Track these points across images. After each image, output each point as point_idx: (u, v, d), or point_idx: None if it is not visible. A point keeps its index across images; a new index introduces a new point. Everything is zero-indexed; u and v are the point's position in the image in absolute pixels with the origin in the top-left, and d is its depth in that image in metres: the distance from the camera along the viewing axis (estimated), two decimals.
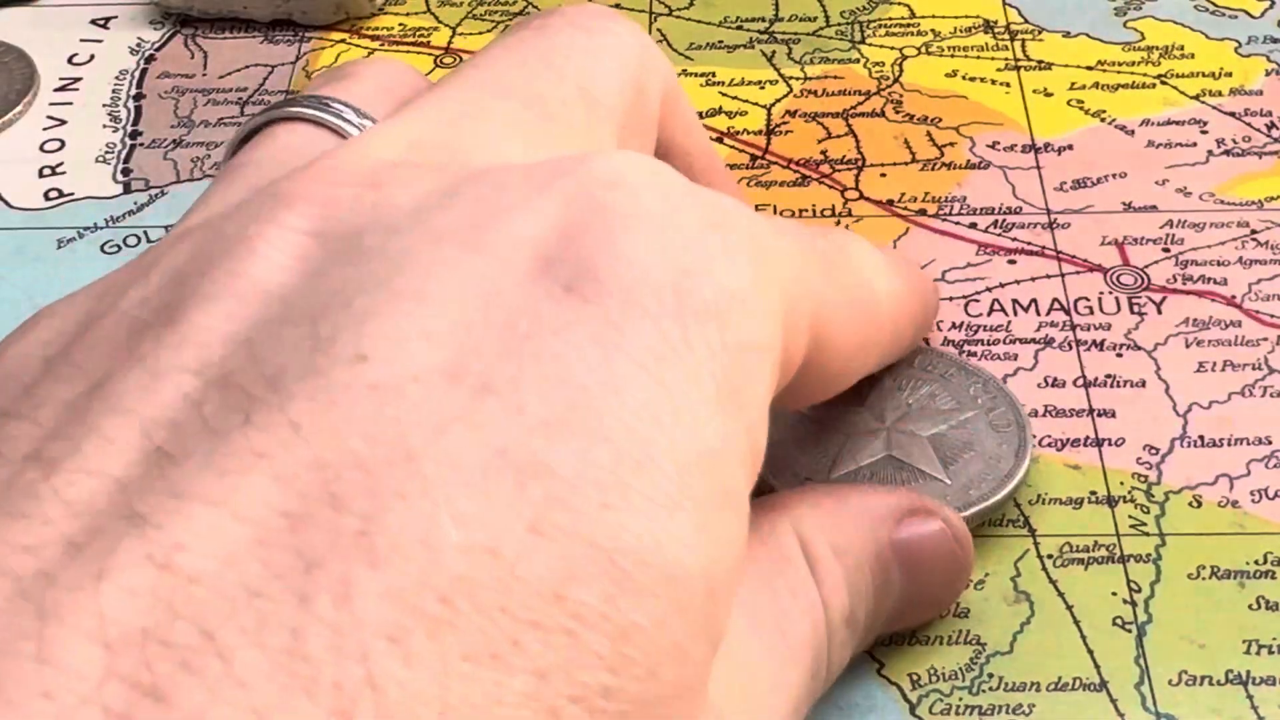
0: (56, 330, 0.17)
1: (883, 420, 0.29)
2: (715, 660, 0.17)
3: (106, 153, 0.38)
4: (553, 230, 0.17)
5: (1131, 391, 0.31)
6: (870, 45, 0.41)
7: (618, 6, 0.42)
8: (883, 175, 0.37)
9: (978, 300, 0.33)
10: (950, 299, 0.33)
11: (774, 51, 0.41)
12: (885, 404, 0.30)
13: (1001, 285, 0.34)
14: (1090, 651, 0.27)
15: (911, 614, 0.24)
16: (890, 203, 0.36)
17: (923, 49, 0.40)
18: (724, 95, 0.39)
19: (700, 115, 0.39)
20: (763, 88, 0.39)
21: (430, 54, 0.41)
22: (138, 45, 0.42)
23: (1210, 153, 0.37)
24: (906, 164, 0.37)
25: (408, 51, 0.41)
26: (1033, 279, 0.34)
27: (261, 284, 0.16)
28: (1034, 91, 0.39)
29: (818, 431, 0.29)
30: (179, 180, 0.38)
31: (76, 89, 0.41)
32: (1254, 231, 0.35)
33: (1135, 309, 0.33)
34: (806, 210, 0.36)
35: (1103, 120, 0.38)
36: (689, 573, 0.15)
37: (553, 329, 0.16)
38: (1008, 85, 0.39)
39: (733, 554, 0.17)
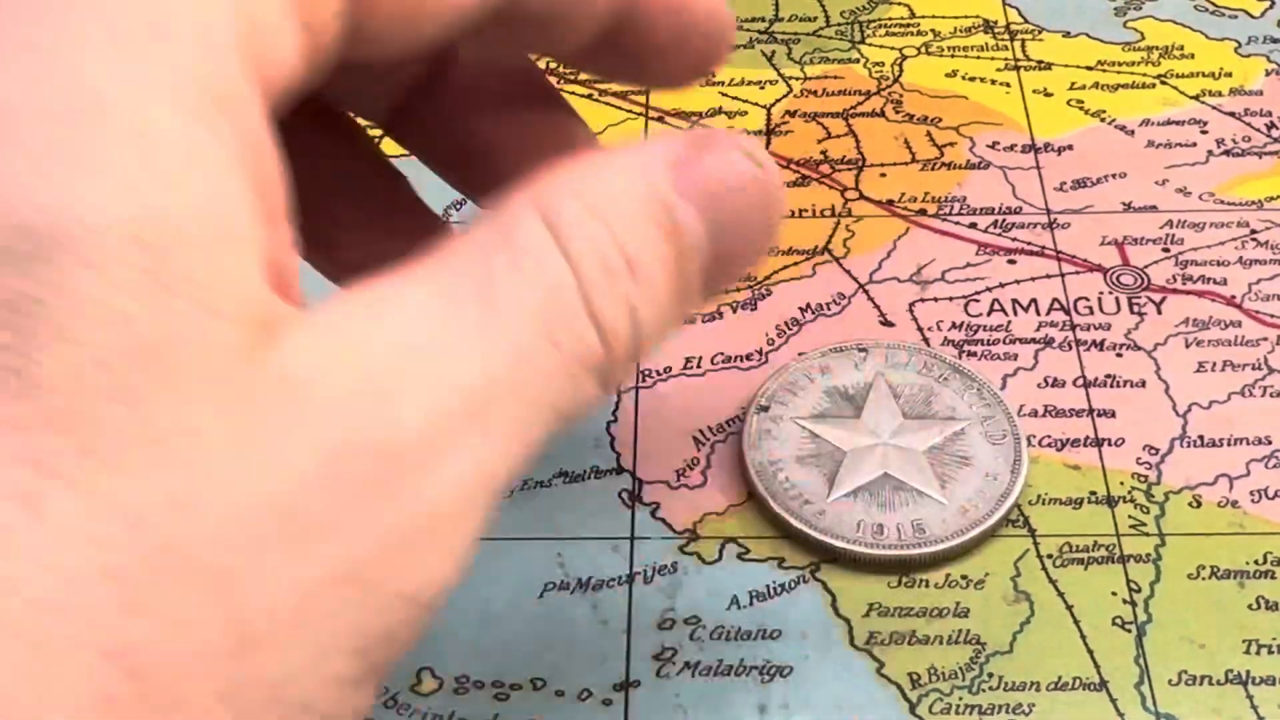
0: None
1: (879, 435, 0.29)
2: (360, 335, 0.15)
3: None
4: None
5: (1131, 391, 0.31)
6: (870, 45, 0.41)
7: None
8: (883, 175, 0.37)
9: (978, 300, 0.33)
10: (950, 299, 0.33)
11: (774, 51, 0.41)
12: (881, 415, 0.30)
13: (1001, 285, 0.34)
14: (1090, 651, 0.27)
15: (732, 264, 0.19)
16: (890, 202, 0.36)
17: (923, 49, 0.40)
18: (724, 95, 0.39)
19: (700, 115, 0.39)
20: (763, 88, 0.39)
21: None
22: None
23: (1210, 153, 0.37)
24: (906, 164, 0.37)
25: None
26: (1033, 279, 0.34)
27: None
28: (1034, 91, 0.39)
29: (816, 450, 0.29)
30: None
31: None
32: (1254, 231, 0.35)
33: (1135, 309, 0.33)
34: (806, 210, 0.36)
35: (1103, 120, 0.38)
36: (90, 227, 0.14)
37: None
38: (1008, 85, 0.39)
39: (187, 199, 0.14)
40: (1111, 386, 0.31)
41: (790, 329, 0.33)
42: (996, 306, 0.33)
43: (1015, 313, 0.33)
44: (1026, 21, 0.41)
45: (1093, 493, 0.29)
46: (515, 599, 0.28)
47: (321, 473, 0.14)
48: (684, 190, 0.17)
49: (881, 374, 0.31)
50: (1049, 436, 0.30)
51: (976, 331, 0.32)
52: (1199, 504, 0.29)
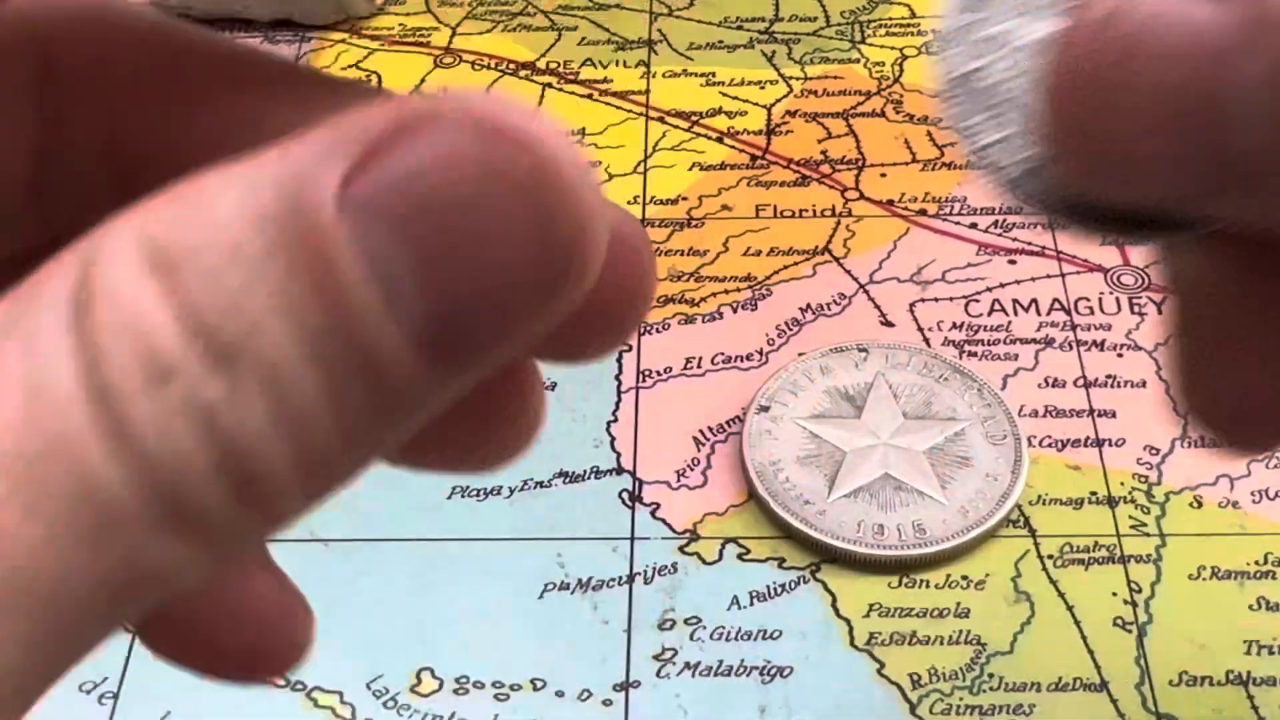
0: None
1: (879, 435, 0.29)
2: None
3: None
4: None
5: (1132, 392, 0.31)
6: (870, 45, 0.41)
7: (619, 7, 0.42)
8: (883, 175, 0.37)
9: (978, 300, 0.33)
10: (950, 299, 0.33)
11: (774, 51, 0.41)
12: (881, 415, 0.30)
13: (1002, 285, 0.34)
14: (1090, 651, 0.27)
15: (497, 315, 0.11)
16: (890, 203, 0.36)
17: (923, 49, 0.40)
18: (724, 95, 0.39)
19: (700, 115, 0.39)
20: (763, 88, 0.39)
21: (430, 54, 0.41)
22: None
23: None
24: (906, 164, 0.37)
25: (408, 51, 0.41)
26: (1033, 279, 0.34)
27: None
28: None
29: (816, 450, 0.29)
30: None
31: None
32: None
33: (1136, 309, 0.33)
34: (806, 210, 0.36)
35: None
36: None
37: None
38: None
39: None
40: (1112, 387, 0.31)
41: (790, 329, 0.33)
42: (997, 306, 0.33)
43: (1015, 313, 0.33)
44: None
45: (1093, 493, 0.29)
46: (515, 599, 0.28)
47: None
48: (363, 198, 0.10)
49: (882, 374, 0.31)
50: (1049, 437, 0.30)
51: (977, 332, 0.32)
52: (1200, 504, 0.29)
